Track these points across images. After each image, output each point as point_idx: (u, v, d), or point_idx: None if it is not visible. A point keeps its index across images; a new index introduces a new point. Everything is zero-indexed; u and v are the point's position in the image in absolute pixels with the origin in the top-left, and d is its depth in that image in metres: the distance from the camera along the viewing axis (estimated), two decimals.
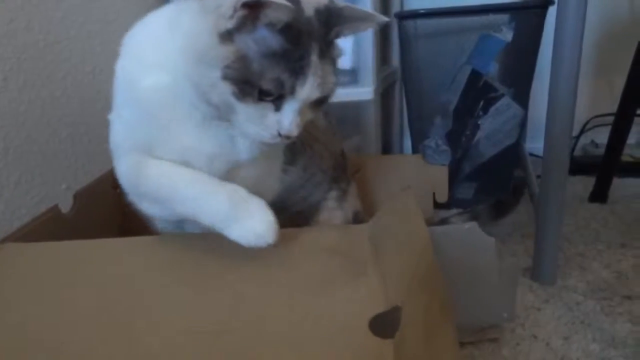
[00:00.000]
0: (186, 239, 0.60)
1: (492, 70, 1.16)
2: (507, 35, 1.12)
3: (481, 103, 1.18)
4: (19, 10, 0.81)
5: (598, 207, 1.22)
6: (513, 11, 1.13)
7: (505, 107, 1.18)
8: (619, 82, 1.21)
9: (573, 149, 1.54)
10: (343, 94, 0.62)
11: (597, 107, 1.57)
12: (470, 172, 1.25)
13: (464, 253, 0.57)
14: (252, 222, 0.52)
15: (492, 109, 1.18)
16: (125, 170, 0.59)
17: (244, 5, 0.45)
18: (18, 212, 0.80)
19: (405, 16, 1.23)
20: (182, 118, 0.55)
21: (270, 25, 0.46)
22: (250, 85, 0.47)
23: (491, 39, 1.13)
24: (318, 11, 0.50)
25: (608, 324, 0.76)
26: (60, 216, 0.74)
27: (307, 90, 0.49)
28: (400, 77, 1.59)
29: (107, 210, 0.87)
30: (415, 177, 1.05)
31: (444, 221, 0.89)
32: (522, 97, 1.21)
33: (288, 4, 0.45)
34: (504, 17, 1.12)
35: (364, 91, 1.17)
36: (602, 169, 1.25)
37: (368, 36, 1.15)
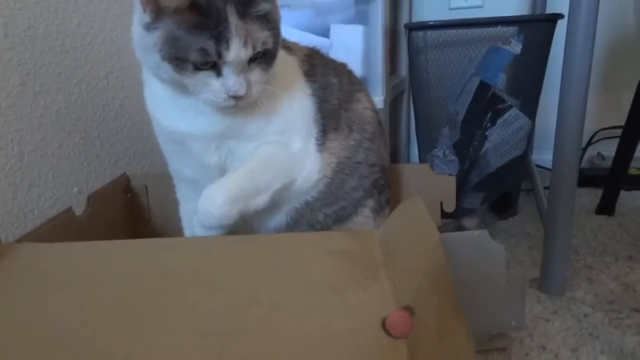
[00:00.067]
0: (200, 241, 0.61)
1: (500, 81, 1.17)
2: (516, 47, 1.13)
3: (489, 114, 1.19)
4: (37, 17, 0.83)
5: (605, 220, 1.22)
6: (522, 24, 1.14)
7: (513, 118, 1.19)
8: (626, 95, 1.22)
9: (580, 161, 1.54)
10: None
11: (603, 120, 1.58)
12: (477, 183, 1.25)
13: (473, 260, 0.57)
14: None
15: (500, 120, 1.19)
16: None
17: (147, 2, 0.52)
18: (31, 214, 0.81)
19: (415, 27, 1.24)
20: (167, 106, 0.62)
21: (177, 10, 0.51)
22: (182, 60, 0.53)
23: (500, 51, 1.14)
24: None
25: (616, 336, 0.76)
26: (73, 218, 0.75)
27: (235, 51, 0.53)
28: (408, 87, 1.60)
29: (119, 214, 0.88)
30: (422, 186, 1.05)
31: (458, 227, 0.88)
32: (530, 109, 1.21)
33: None
34: (512, 30, 1.13)
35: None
36: (609, 182, 1.26)
37: (378, 46, 1.17)
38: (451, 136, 1.24)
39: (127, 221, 0.91)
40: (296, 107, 0.66)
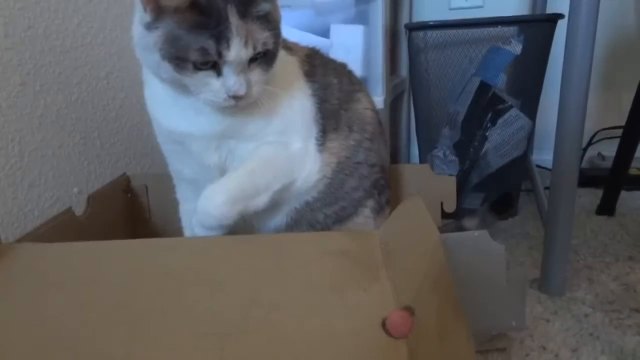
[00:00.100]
0: (200, 241, 0.61)
1: (500, 82, 1.17)
2: (516, 47, 1.13)
3: (489, 114, 1.19)
4: (37, 17, 0.83)
5: (605, 220, 1.22)
6: (522, 24, 1.14)
7: (513, 118, 1.19)
8: (626, 95, 1.22)
9: (580, 162, 1.54)
10: None
11: (604, 120, 1.58)
12: (477, 183, 1.25)
13: (474, 260, 0.57)
14: None
15: (500, 121, 1.19)
16: None
17: (148, 2, 0.52)
18: (31, 214, 0.81)
19: (415, 27, 1.24)
20: (167, 105, 0.62)
21: (178, 9, 0.51)
22: (182, 59, 0.53)
23: (500, 51, 1.14)
24: None
25: (617, 336, 0.76)
26: (73, 219, 0.75)
27: (235, 51, 0.53)
28: (408, 87, 1.60)
29: (119, 214, 0.88)
30: (423, 186, 1.05)
31: (458, 227, 0.88)
32: (530, 109, 1.21)
33: None
34: (513, 30, 1.13)
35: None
36: (610, 182, 1.26)
37: (378, 46, 1.17)
38: (451, 136, 1.24)
39: (127, 221, 0.91)
40: (296, 108, 0.66)
